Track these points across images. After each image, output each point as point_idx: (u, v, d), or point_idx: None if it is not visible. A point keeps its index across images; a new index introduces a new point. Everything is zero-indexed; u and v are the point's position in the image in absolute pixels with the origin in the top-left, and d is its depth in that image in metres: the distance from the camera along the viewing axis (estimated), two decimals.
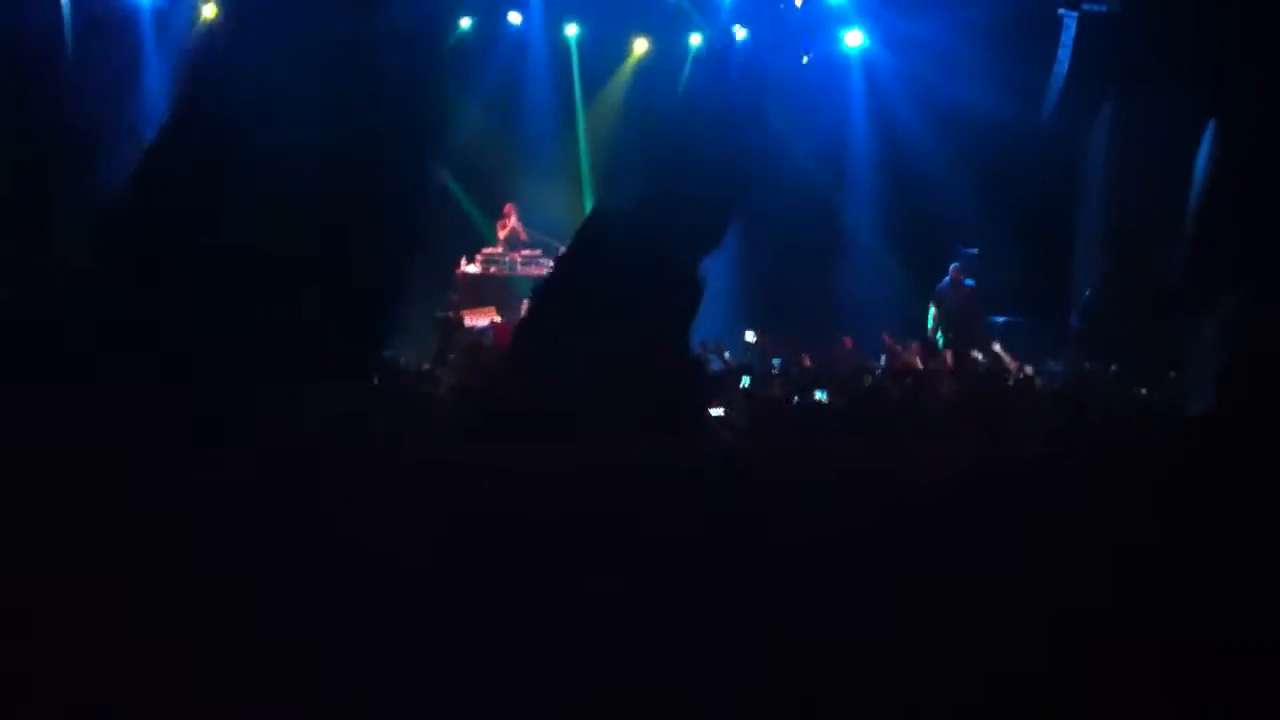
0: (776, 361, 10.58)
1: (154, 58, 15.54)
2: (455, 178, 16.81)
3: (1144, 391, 8.93)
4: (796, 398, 8.85)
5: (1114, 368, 10.09)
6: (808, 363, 11.04)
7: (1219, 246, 10.86)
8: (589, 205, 16.70)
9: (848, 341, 12.73)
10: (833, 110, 16.71)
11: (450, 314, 14.72)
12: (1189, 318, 8.96)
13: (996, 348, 11.78)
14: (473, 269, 15.82)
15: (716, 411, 7.26)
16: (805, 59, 16.26)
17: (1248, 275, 9.61)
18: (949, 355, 12.19)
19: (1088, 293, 13.94)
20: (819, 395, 9.05)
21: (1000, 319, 14.25)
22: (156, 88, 15.52)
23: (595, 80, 17.14)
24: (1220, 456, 4.78)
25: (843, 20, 16.01)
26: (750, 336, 12.66)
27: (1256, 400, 5.39)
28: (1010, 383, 8.90)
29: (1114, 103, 13.90)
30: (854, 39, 16.15)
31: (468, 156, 16.75)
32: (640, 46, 17.00)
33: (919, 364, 11.66)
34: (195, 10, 15.50)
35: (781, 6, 16.13)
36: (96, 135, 14.74)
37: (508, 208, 15.98)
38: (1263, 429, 4.80)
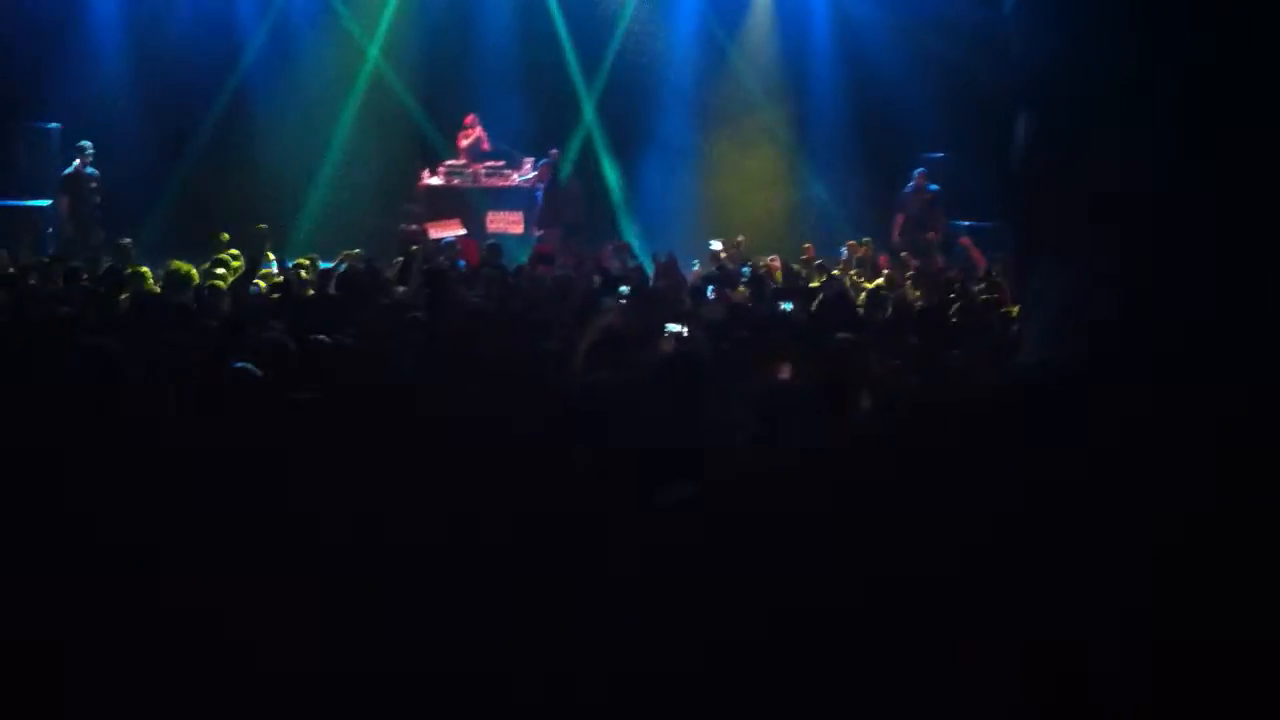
0: (745, 270, 10.56)
1: None
2: (412, 88, 16.60)
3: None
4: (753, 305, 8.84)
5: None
6: (777, 264, 11.04)
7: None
8: (556, 116, 16.56)
9: (809, 249, 12.74)
10: (795, 12, 16.57)
11: (414, 226, 14.61)
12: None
13: (966, 241, 11.81)
14: (435, 181, 15.65)
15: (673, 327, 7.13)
16: None
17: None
18: (911, 260, 12.21)
19: None
20: (785, 306, 9.02)
21: (965, 223, 14.29)
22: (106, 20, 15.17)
23: None
24: None
25: None
26: (716, 245, 12.63)
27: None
28: (980, 285, 8.90)
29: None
30: None
31: (427, 65, 16.54)
32: None
33: (884, 268, 11.70)
34: None
35: None
36: (34, 71, 14.41)
37: (469, 118, 15.75)
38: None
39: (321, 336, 5.52)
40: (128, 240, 11.37)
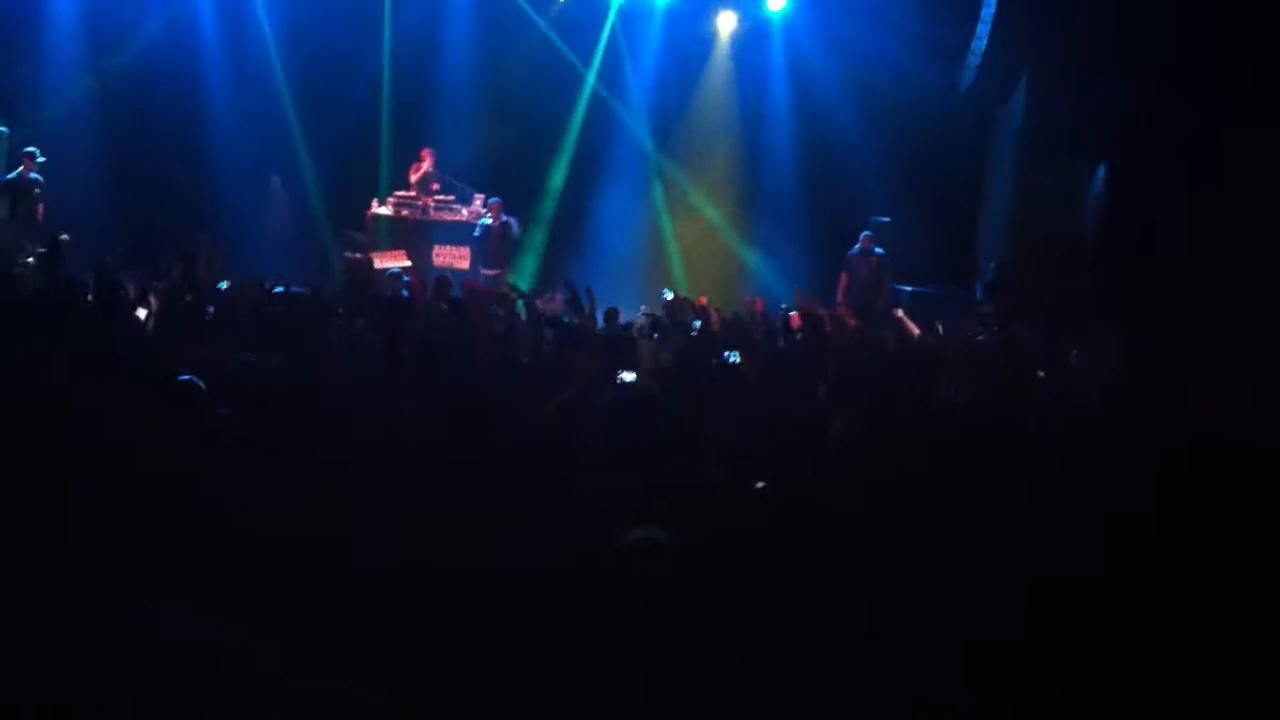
0: (696, 323, 10.57)
1: None
2: (369, 119, 16.49)
3: (1075, 353, 9.09)
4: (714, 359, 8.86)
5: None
6: (718, 316, 11.07)
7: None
8: (506, 152, 16.56)
9: (758, 303, 12.79)
10: (752, 72, 16.77)
11: (360, 255, 14.49)
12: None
13: (899, 314, 11.86)
14: (384, 211, 15.56)
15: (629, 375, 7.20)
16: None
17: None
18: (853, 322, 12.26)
19: (991, 265, 14.15)
20: (732, 357, 9.04)
21: (907, 288, 14.46)
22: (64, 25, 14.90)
23: (514, 28, 16.82)
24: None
25: None
26: (668, 294, 12.68)
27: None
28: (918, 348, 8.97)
29: (1028, 80, 14.03)
30: (776, 3, 16.19)
31: (383, 97, 16.50)
32: None
33: (826, 324, 11.74)
34: None
35: None
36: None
37: (424, 151, 15.69)
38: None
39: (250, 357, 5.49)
40: (65, 236, 11.03)
